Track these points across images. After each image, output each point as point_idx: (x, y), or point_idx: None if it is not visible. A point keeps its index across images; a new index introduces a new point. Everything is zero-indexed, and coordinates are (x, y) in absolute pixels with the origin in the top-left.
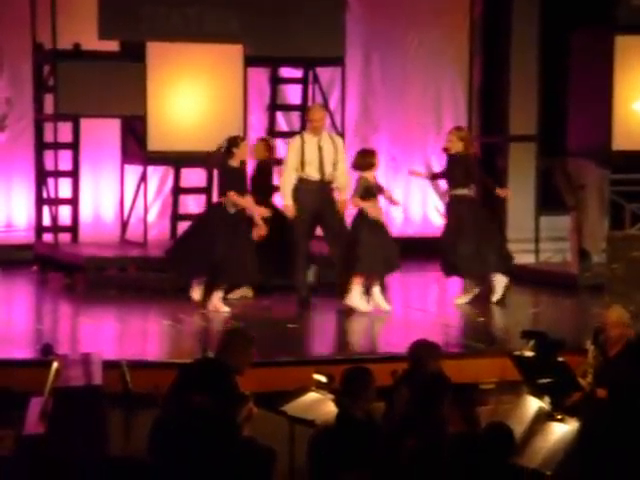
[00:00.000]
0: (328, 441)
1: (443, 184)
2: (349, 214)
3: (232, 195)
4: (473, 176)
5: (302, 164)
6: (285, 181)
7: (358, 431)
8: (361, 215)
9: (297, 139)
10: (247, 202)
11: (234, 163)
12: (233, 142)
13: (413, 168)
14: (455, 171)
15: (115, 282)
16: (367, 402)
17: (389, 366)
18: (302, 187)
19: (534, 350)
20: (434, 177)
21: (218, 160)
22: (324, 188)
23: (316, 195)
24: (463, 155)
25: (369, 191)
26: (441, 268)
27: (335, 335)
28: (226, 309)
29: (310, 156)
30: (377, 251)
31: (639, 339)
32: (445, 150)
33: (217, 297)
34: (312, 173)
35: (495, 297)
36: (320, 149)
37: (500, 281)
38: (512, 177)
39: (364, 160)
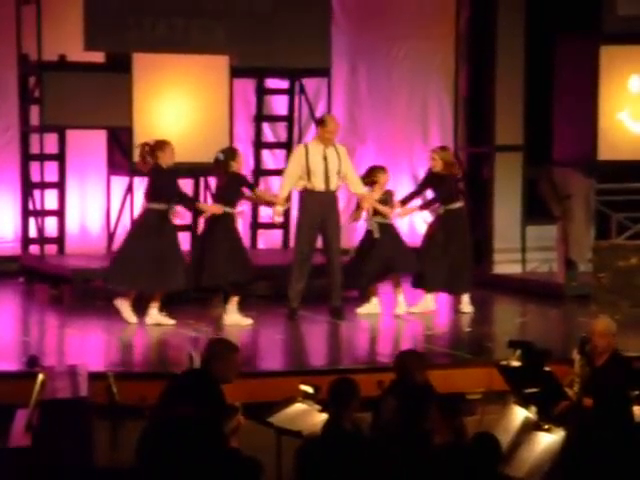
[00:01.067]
0: (315, 452)
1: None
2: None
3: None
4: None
5: (308, 174)
6: (281, 186)
7: (346, 441)
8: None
9: (301, 148)
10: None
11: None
12: (232, 154)
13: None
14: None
15: (102, 294)
16: (353, 412)
17: (375, 376)
18: (308, 198)
19: (521, 360)
20: (423, 207)
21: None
22: (329, 198)
23: (321, 206)
24: (442, 175)
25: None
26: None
27: (322, 346)
28: (248, 321)
29: (315, 166)
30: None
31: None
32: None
33: (233, 309)
34: (317, 184)
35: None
36: (325, 159)
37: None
38: (498, 187)
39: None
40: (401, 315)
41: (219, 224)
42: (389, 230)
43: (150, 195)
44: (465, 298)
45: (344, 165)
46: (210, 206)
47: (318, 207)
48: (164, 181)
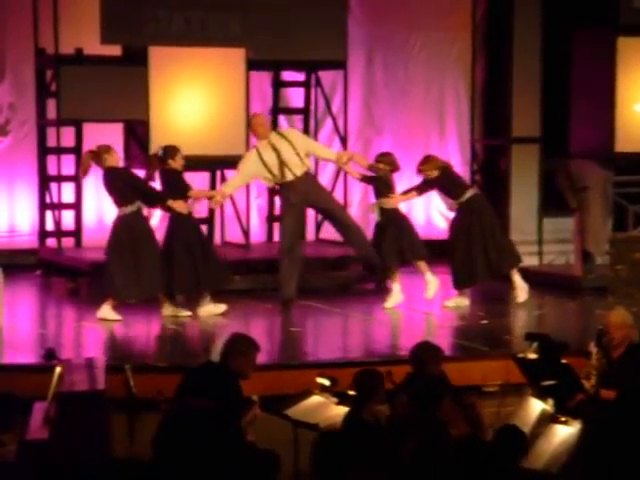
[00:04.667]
0: (333, 444)
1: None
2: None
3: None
4: None
5: (270, 172)
6: (228, 182)
7: (365, 433)
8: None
9: (253, 151)
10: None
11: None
12: (172, 152)
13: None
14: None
15: None
16: (377, 404)
17: (392, 369)
18: (283, 191)
19: (538, 352)
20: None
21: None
22: (302, 182)
23: (298, 193)
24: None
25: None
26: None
27: (339, 338)
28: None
29: (270, 160)
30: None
31: None
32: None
33: (206, 301)
34: (285, 175)
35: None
36: (275, 150)
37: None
38: (515, 179)
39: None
40: (431, 298)
41: (183, 225)
42: (393, 216)
43: (121, 199)
44: (518, 283)
45: (299, 142)
46: (176, 203)
47: (295, 195)
48: (123, 182)
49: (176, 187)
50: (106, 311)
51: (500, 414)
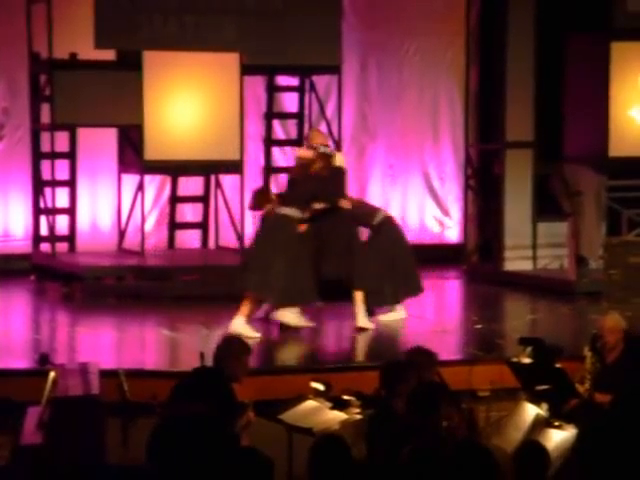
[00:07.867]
0: (333, 449)
1: None
2: None
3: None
4: None
5: None
6: None
7: (396, 423)
8: None
9: None
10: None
11: None
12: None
13: None
14: None
15: (113, 291)
16: (404, 395)
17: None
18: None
19: (532, 357)
20: None
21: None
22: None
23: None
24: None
25: None
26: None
27: (334, 343)
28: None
29: None
30: None
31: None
32: None
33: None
34: None
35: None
36: None
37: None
38: (509, 183)
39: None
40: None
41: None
42: None
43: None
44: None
45: None
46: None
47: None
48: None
49: (342, 184)
50: (240, 326)
51: (490, 418)
